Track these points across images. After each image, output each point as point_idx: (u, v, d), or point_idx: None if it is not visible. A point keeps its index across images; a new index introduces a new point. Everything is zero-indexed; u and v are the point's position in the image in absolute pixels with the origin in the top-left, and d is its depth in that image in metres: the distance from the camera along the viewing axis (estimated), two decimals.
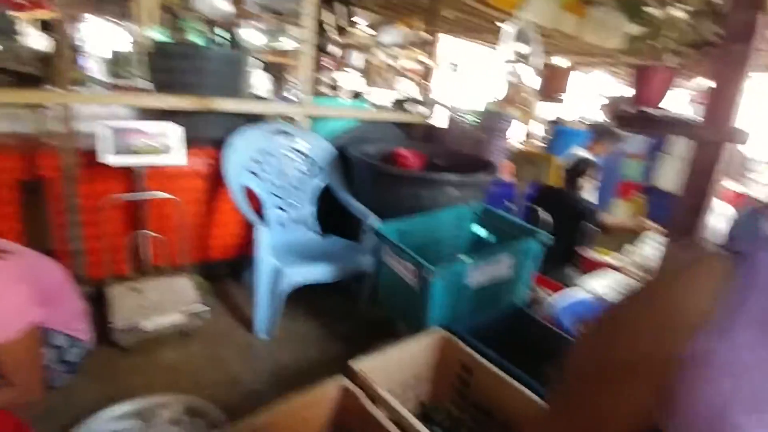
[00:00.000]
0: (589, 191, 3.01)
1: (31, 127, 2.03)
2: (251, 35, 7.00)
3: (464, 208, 2.02)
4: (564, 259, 2.93)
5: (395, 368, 1.38)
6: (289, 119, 2.48)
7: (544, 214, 2.48)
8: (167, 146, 1.84)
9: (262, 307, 1.87)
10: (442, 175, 2.05)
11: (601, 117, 6.73)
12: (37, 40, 4.17)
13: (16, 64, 2.67)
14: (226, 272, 2.38)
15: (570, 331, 1.61)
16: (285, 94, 4.80)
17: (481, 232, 2.02)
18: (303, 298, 2.20)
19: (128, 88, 3.60)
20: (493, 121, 2.75)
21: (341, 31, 3.84)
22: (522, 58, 2.61)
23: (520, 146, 3.32)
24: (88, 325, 1.50)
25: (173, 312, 1.79)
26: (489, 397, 1.35)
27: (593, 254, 2.81)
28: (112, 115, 2.16)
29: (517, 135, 4.19)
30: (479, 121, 2.80)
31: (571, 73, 6.20)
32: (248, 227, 2.37)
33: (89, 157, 1.83)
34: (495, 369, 1.32)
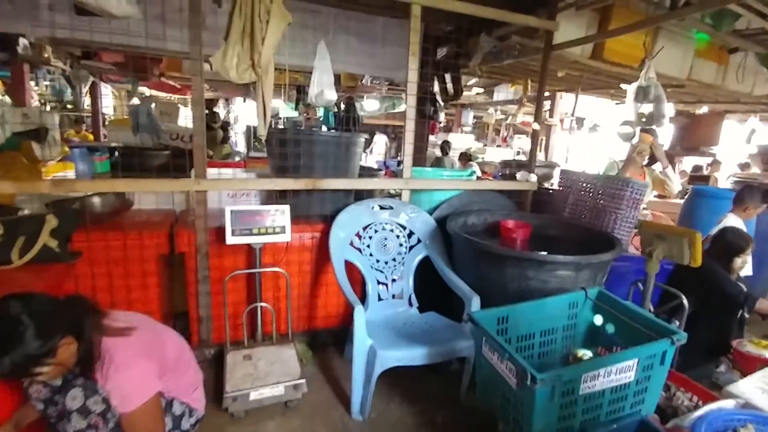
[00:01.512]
0: (743, 270, 2.48)
1: (176, 205, 2.43)
2: (371, 104, 7.67)
3: (579, 294, 1.80)
4: (712, 354, 2.40)
5: None
6: (393, 194, 2.57)
7: (681, 299, 2.08)
8: (279, 227, 2.03)
9: (358, 388, 1.86)
10: (550, 256, 1.87)
11: (749, 169, 5.64)
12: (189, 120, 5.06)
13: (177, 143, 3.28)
14: (330, 341, 2.46)
15: None
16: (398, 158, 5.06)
17: (598, 320, 1.76)
18: (402, 377, 2.14)
19: (259, 159, 4.13)
20: (615, 187, 2.48)
21: (454, 96, 3.93)
22: (645, 118, 2.34)
23: (647, 213, 2.91)
24: (203, 394, 1.65)
25: (277, 384, 1.88)
26: None
27: (751, 348, 2.25)
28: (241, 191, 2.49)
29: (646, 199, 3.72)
30: (599, 186, 2.55)
31: (724, 122, 5.34)
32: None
33: (218, 234, 2.10)
34: None
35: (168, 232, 2.16)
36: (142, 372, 1.32)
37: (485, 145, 7.64)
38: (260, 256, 2.13)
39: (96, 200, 2.51)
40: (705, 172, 5.89)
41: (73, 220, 1.97)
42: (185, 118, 5.23)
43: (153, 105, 4.12)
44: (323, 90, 2.24)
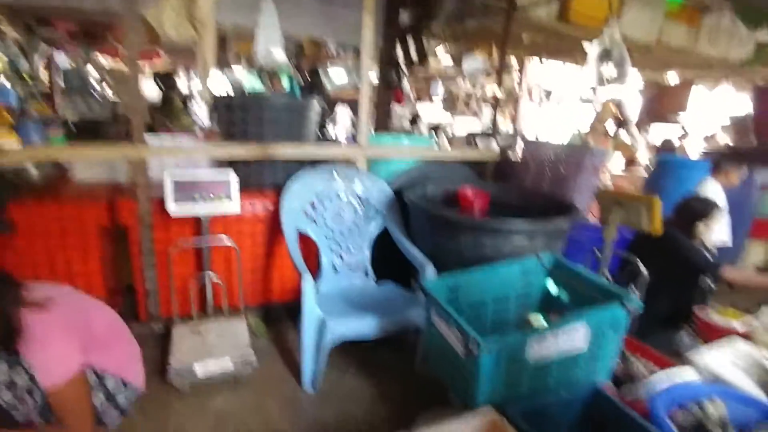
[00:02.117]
0: (709, 237, 2.49)
1: (121, 176, 2.28)
2: (338, 74, 7.41)
3: (533, 261, 1.76)
4: (674, 323, 2.43)
5: None
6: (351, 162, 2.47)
7: (640, 267, 2.08)
8: (225, 195, 1.92)
9: (308, 360, 1.80)
10: (505, 222, 1.82)
11: (724, 139, 5.73)
12: (149, 91, 4.84)
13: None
14: (286, 315, 2.39)
15: (664, 426, 1.26)
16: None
17: (553, 288, 1.73)
18: (355, 349, 2.10)
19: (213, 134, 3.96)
20: (577, 155, 2.44)
21: (418, 62, 3.80)
22: (610, 81, 2.29)
23: (608, 184, 2.90)
24: (140, 368, 1.56)
25: (225, 358, 1.80)
26: None
27: (715, 317, 2.27)
28: (189, 162, 2.34)
29: (612, 168, 3.71)
30: (561, 155, 2.51)
31: (693, 88, 5.35)
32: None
33: (161, 205, 1.97)
34: None
35: (109, 203, 2.02)
36: (62, 346, 1.24)
37: (455, 116, 7.54)
38: (207, 227, 2.02)
39: (32, 170, 2.34)
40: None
41: (5, 190, 1.82)
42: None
43: (88, 67, 3.85)
44: (270, 49, 2.09)
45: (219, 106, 2.20)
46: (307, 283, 1.74)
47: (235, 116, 2.10)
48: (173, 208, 1.84)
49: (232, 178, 1.94)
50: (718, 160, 3.05)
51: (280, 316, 2.37)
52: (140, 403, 1.67)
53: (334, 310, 1.86)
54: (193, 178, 1.89)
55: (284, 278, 2.38)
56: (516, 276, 1.74)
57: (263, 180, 2.25)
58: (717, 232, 2.97)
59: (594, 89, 2.35)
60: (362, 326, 1.76)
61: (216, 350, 1.85)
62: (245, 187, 2.22)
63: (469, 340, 1.26)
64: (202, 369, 1.75)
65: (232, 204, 1.94)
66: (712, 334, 2.19)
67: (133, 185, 2.01)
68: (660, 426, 1.27)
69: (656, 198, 1.94)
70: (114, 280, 2.26)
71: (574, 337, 1.38)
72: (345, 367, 2.01)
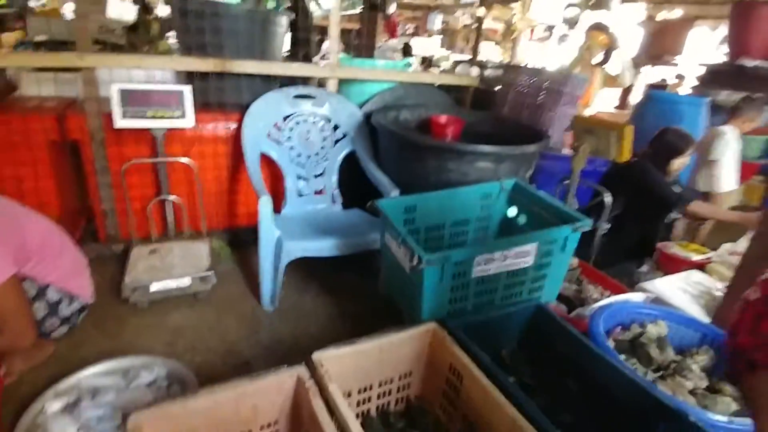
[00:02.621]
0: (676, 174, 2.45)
1: (73, 93, 2.15)
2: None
3: (494, 185, 1.72)
4: (638, 256, 2.46)
5: (372, 362, 1.22)
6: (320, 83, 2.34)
7: (606, 197, 2.05)
8: (178, 109, 1.81)
9: (266, 278, 1.81)
10: (469, 146, 1.76)
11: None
12: (124, 12, 4.49)
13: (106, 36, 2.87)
14: (252, 240, 2.36)
15: (602, 344, 1.29)
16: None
17: (512, 212, 1.71)
18: (317, 272, 2.12)
19: None
20: (557, 82, 2.33)
21: None
22: (592, 2, 2.13)
23: (582, 113, 2.81)
24: (86, 280, 1.55)
25: (183, 276, 1.80)
26: (476, 409, 1.12)
27: (677, 250, 2.31)
28: (150, 78, 2.20)
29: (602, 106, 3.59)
30: (540, 82, 2.39)
31: (691, 28, 5.09)
32: (274, 195, 2.32)
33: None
34: (484, 379, 1.09)
35: (57, 116, 1.91)
36: None
37: (452, 52, 7.19)
38: (162, 144, 1.93)
39: None
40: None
41: None
42: (117, 9, 4.60)
43: None
44: None
45: (175, 12, 2.02)
46: (264, 204, 1.70)
47: (191, 24, 1.94)
48: (120, 120, 1.75)
49: (186, 91, 1.83)
50: (739, 105, 2.95)
51: (246, 241, 2.35)
52: (95, 319, 1.69)
53: (295, 231, 1.84)
54: (142, 89, 1.77)
55: (250, 202, 2.33)
56: (476, 200, 1.71)
57: (225, 99, 2.14)
58: (726, 179, 2.95)
59: (579, 5, 2.19)
60: (320, 246, 1.75)
61: (174, 270, 1.84)
62: (206, 107, 2.11)
63: (413, 255, 1.25)
64: (159, 286, 1.76)
65: (185, 119, 1.84)
66: (671, 266, 2.23)
67: (83, 99, 1.90)
68: (596, 340, 1.30)
69: (629, 126, 1.87)
70: (73, 201, 2.21)
71: (523, 256, 1.38)
72: (306, 288, 2.03)
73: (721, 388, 1.31)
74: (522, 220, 1.68)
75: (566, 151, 2.49)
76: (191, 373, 1.42)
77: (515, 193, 1.71)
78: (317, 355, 1.11)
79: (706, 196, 3.02)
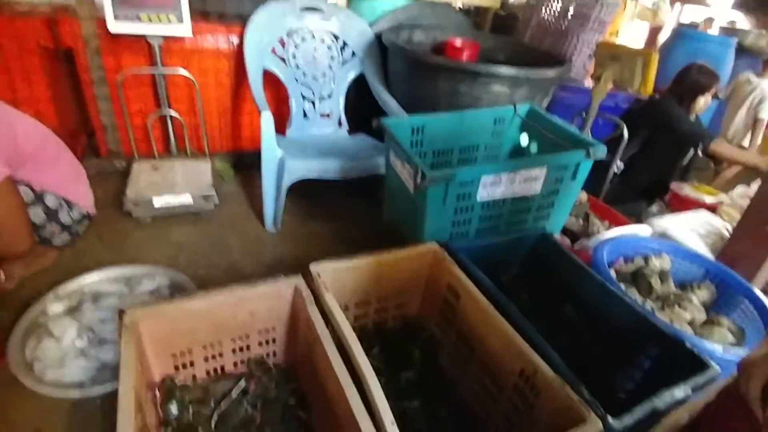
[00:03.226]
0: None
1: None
2: None
3: (508, 110, 1.63)
4: (649, 194, 2.39)
5: (370, 279, 1.21)
6: None
7: (624, 132, 1.96)
8: (174, 14, 1.69)
9: (268, 199, 1.78)
10: (484, 66, 1.64)
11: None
12: None
13: None
14: (257, 163, 2.32)
15: (603, 273, 1.27)
16: None
17: (524, 139, 1.63)
18: (322, 197, 2.10)
19: None
20: (586, 7, 2.14)
21: None
22: None
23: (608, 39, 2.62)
24: (86, 190, 1.53)
25: (185, 193, 1.78)
26: (471, 326, 1.13)
27: (689, 191, 2.23)
28: None
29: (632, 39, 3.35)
30: (566, 5, 2.20)
31: None
32: (280, 118, 2.24)
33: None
34: (481, 297, 1.08)
35: (48, 20, 1.80)
36: None
37: None
38: (160, 55, 1.83)
39: None
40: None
41: None
42: None
43: None
44: None
45: None
46: (266, 119, 1.63)
47: None
48: (113, 24, 1.64)
49: None
50: None
51: (250, 164, 2.30)
52: (99, 231, 1.70)
53: (298, 152, 1.79)
54: None
55: (255, 125, 2.26)
56: (488, 125, 1.63)
57: (225, 9, 2.00)
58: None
59: None
60: (323, 167, 1.70)
61: (176, 187, 1.82)
62: (204, 16, 1.98)
63: (417, 172, 1.20)
64: (160, 201, 1.74)
65: (182, 26, 1.73)
66: (682, 207, 2.17)
67: (76, 3, 1.77)
68: (598, 268, 1.28)
69: (654, 53, 1.73)
70: (72, 114, 2.15)
71: (531, 181, 1.32)
72: (310, 213, 2.02)
73: (719, 321, 1.30)
74: (534, 149, 1.60)
75: (588, 83, 2.34)
76: (192, 284, 1.44)
77: (529, 120, 1.62)
78: (315, 267, 1.10)
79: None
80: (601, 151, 1.34)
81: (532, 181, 1.31)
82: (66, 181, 1.43)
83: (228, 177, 2.17)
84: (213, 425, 1.02)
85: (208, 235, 1.79)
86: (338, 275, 1.13)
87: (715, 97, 2.26)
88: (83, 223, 1.54)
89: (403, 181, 1.37)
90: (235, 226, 1.87)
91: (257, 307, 1.08)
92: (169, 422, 0.99)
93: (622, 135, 2.02)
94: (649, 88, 1.78)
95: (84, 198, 1.51)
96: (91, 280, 1.42)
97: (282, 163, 1.67)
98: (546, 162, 1.29)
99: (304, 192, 2.12)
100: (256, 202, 2.05)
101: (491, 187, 1.27)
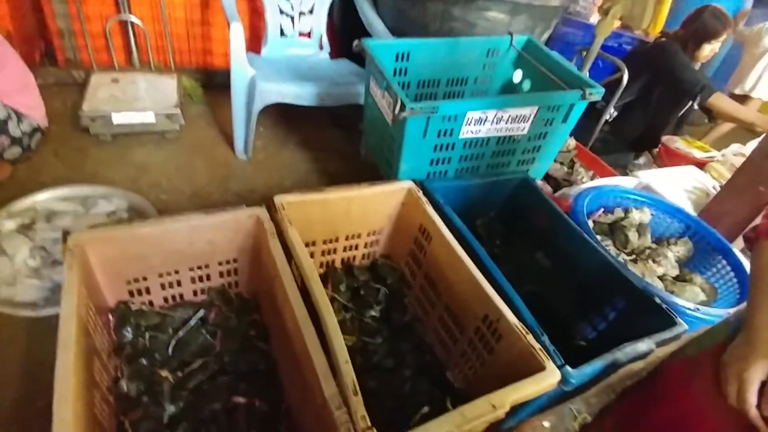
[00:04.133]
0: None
1: None
2: None
3: (503, 40, 1.49)
4: (638, 146, 2.33)
5: (340, 215, 1.15)
6: None
7: (624, 74, 1.84)
8: None
9: (238, 124, 1.66)
10: None
11: None
12: None
13: None
14: (227, 83, 2.15)
15: (581, 222, 1.24)
16: None
17: (517, 76, 1.52)
18: (298, 125, 1.98)
19: None
20: None
21: None
22: None
23: None
24: (36, 101, 1.39)
25: (147, 110, 1.64)
26: (439, 267, 1.10)
27: (680, 145, 2.17)
28: None
29: None
30: None
31: None
32: (255, 34, 2.04)
33: None
34: (454, 242, 1.04)
35: None
36: None
37: None
38: None
39: None
40: None
41: None
42: None
43: None
44: None
45: None
46: (235, 30, 1.46)
47: None
48: None
49: None
50: None
51: (223, 84, 2.11)
52: (56, 147, 1.58)
53: (272, 73, 1.64)
54: None
55: (227, 40, 2.05)
56: (480, 55, 1.49)
57: None
58: None
59: None
60: (298, 91, 1.57)
61: (138, 103, 1.67)
62: None
63: (396, 103, 1.10)
64: (120, 117, 1.61)
65: None
66: (671, 161, 2.12)
67: None
68: (576, 217, 1.25)
69: None
70: (28, 19, 1.90)
71: (519, 121, 1.23)
72: (285, 141, 1.91)
73: (692, 278, 1.30)
74: (526, 87, 1.49)
75: (593, 19, 2.17)
76: (153, 208, 1.36)
77: (525, 53, 1.48)
78: (279, 198, 1.03)
79: (740, 99, 2.81)
80: (598, 93, 1.25)
81: (520, 120, 1.22)
82: (12, 89, 1.29)
83: (196, 96, 2.01)
84: (170, 351, 1.00)
85: (173, 158, 1.68)
86: (305, 209, 1.07)
87: None
88: (35, 137, 1.41)
89: (381, 111, 1.26)
90: (202, 150, 1.75)
91: (216, 237, 1.02)
92: (124, 346, 0.96)
93: (620, 79, 1.90)
94: (658, 27, 1.65)
95: (34, 109, 1.37)
96: (44, 197, 1.33)
97: (253, 84, 1.53)
98: (538, 101, 1.19)
99: (280, 118, 1.99)
100: (227, 126, 1.91)
101: (476, 125, 1.18)
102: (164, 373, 0.95)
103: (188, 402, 0.91)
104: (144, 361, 0.94)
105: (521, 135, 1.27)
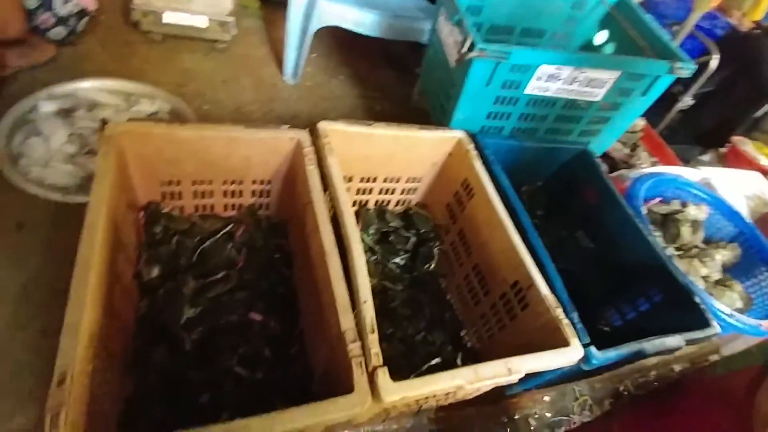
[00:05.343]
0: None
1: None
2: None
3: None
4: (706, 141, 2.15)
5: (383, 153, 1.10)
6: None
7: (714, 59, 1.65)
8: None
9: (291, 44, 1.58)
10: None
11: None
12: None
13: None
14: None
15: (636, 206, 1.15)
16: None
17: (601, 37, 1.37)
18: (353, 57, 1.88)
19: None
20: None
21: None
22: None
23: None
24: None
25: (200, 14, 1.58)
26: (477, 230, 1.05)
27: (749, 148, 1.99)
28: None
29: None
30: None
31: None
32: None
33: None
34: (496, 201, 0.98)
35: None
36: None
37: None
38: None
39: None
40: None
41: None
42: None
43: None
44: None
45: None
46: None
47: None
48: None
49: None
50: None
51: (281, 1, 2.04)
52: (103, 37, 1.55)
53: None
54: None
55: None
56: (564, 6, 1.35)
57: None
58: None
59: None
60: (360, 17, 1.46)
61: (192, 5, 1.59)
62: None
63: (465, 41, 1.00)
64: (171, 17, 1.55)
65: None
66: (736, 163, 1.96)
67: None
68: (631, 201, 1.16)
69: None
70: None
71: (595, 85, 1.12)
72: (336, 71, 1.82)
73: (732, 284, 1.22)
74: (608, 50, 1.35)
75: None
76: (194, 116, 1.34)
77: (615, 12, 1.33)
78: (324, 125, 0.98)
79: None
80: (688, 69, 1.11)
81: (596, 85, 1.11)
82: None
83: (252, 8, 1.92)
84: (195, 258, 1.00)
85: (220, 71, 1.63)
86: (348, 141, 1.02)
87: None
88: (82, 20, 1.38)
89: (446, 51, 1.17)
90: (250, 67, 1.69)
91: (253, 154, 0.99)
92: (152, 245, 0.97)
93: (707, 64, 1.71)
94: (758, 15, 1.45)
95: None
96: (88, 86, 1.31)
97: (313, 1, 1.43)
98: (623, 65, 1.07)
99: (334, 47, 1.90)
100: (278, 46, 1.83)
101: (546, 81, 1.08)
102: (187, 277, 0.95)
103: (206, 309, 0.93)
104: (169, 263, 0.95)
105: (593, 101, 1.16)
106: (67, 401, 0.51)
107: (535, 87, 1.08)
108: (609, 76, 1.08)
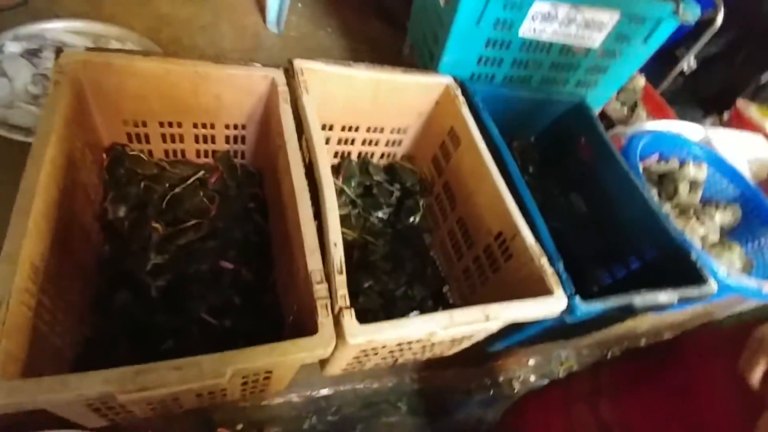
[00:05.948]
0: None
1: None
2: None
3: None
4: (710, 105, 2.07)
5: (365, 99, 1.03)
6: None
7: (720, 14, 1.56)
8: None
9: None
10: None
11: None
12: None
13: None
14: None
15: (632, 162, 1.09)
16: None
17: None
18: (342, 11, 1.78)
19: None
20: None
21: None
22: None
23: None
24: None
25: None
26: (463, 181, 1.00)
27: (754, 112, 1.92)
28: None
29: None
30: None
31: None
32: None
33: None
34: (483, 148, 0.92)
35: None
36: None
37: None
38: None
39: None
40: None
41: None
42: None
43: None
44: None
45: None
46: None
47: None
48: None
49: None
50: None
51: None
52: None
53: None
54: None
55: None
56: None
57: None
58: None
59: None
60: None
61: None
62: None
63: None
64: None
65: None
66: (740, 127, 1.89)
67: None
68: (627, 156, 1.10)
69: None
70: None
71: (592, 28, 1.04)
72: (323, 22, 1.72)
73: (731, 246, 1.18)
74: None
75: None
76: None
77: None
78: (299, 62, 0.91)
79: None
80: (693, 13, 1.04)
81: (595, 28, 1.03)
82: None
83: None
84: (164, 205, 0.95)
85: (199, 16, 1.53)
86: (327, 82, 0.95)
87: None
88: None
89: None
90: (231, 14, 1.59)
91: (225, 93, 0.92)
92: (117, 186, 0.91)
93: (712, 21, 1.63)
94: None
95: None
96: (55, 26, 1.23)
97: None
98: (622, 4, 0.99)
99: None
100: None
101: (542, 22, 1.00)
102: (155, 224, 0.91)
103: (174, 256, 0.88)
104: (136, 206, 0.90)
105: (590, 48, 1.09)
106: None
107: (529, 29, 1.01)
108: (608, 18, 1.00)
